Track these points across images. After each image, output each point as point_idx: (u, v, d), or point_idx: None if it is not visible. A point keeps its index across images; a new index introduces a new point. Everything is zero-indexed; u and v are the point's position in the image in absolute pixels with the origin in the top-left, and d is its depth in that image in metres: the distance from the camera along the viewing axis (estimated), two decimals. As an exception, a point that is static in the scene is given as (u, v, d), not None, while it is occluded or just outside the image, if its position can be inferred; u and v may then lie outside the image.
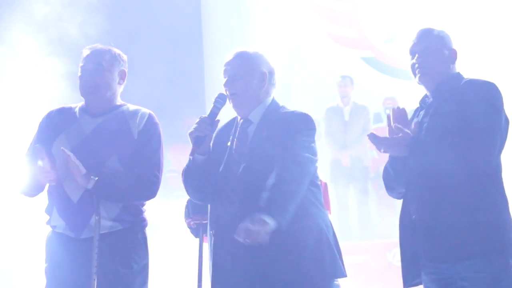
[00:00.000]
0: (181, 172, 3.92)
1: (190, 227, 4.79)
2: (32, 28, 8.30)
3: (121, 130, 3.97)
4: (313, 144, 3.74)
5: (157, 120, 4.08)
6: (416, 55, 3.82)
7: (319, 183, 3.85)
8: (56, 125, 4.05)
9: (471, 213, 3.55)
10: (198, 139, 3.75)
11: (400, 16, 10.67)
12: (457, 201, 3.57)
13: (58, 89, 3.94)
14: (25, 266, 7.63)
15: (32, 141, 4.11)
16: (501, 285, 3.54)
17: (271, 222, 3.50)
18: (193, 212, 4.34)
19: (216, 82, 4.21)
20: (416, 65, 3.81)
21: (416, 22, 9.48)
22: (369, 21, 11.02)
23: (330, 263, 3.69)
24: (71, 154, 3.82)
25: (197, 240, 4.47)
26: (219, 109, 3.80)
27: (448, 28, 3.96)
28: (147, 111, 4.08)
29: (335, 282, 3.80)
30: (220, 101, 3.80)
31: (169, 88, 9.93)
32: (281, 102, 3.91)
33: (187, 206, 4.84)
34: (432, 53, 3.80)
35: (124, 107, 4.08)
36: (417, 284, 3.76)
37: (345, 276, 3.74)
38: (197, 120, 3.78)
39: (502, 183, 3.69)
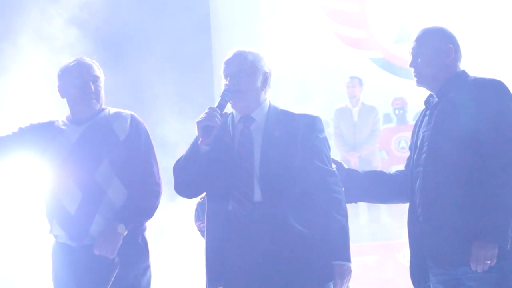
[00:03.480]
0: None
1: (200, 230, 4.79)
2: (48, 27, 8.33)
3: (106, 134, 4.03)
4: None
5: (139, 118, 4.13)
6: (411, 58, 3.80)
7: None
8: (44, 139, 4.10)
9: (478, 215, 3.52)
10: (207, 128, 3.66)
11: (409, 16, 10.64)
12: (463, 204, 3.54)
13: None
14: (28, 270, 7.64)
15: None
16: (509, 284, 3.52)
17: None
18: (203, 215, 4.33)
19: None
20: (412, 70, 3.80)
21: (424, 23, 9.43)
22: (378, 22, 11.00)
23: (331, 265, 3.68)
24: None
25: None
26: (227, 102, 3.74)
27: (458, 28, 3.90)
28: (128, 112, 4.14)
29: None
30: (228, 94, 3.73)
31: (177, 91, 9.93)
32: (289, 102, 3.89)
33: (197, 209, 4.83)
34: (424, 53, 3.74)
35: (106, 111, 4.14)
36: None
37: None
38: (206, 110, 3.70)
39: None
